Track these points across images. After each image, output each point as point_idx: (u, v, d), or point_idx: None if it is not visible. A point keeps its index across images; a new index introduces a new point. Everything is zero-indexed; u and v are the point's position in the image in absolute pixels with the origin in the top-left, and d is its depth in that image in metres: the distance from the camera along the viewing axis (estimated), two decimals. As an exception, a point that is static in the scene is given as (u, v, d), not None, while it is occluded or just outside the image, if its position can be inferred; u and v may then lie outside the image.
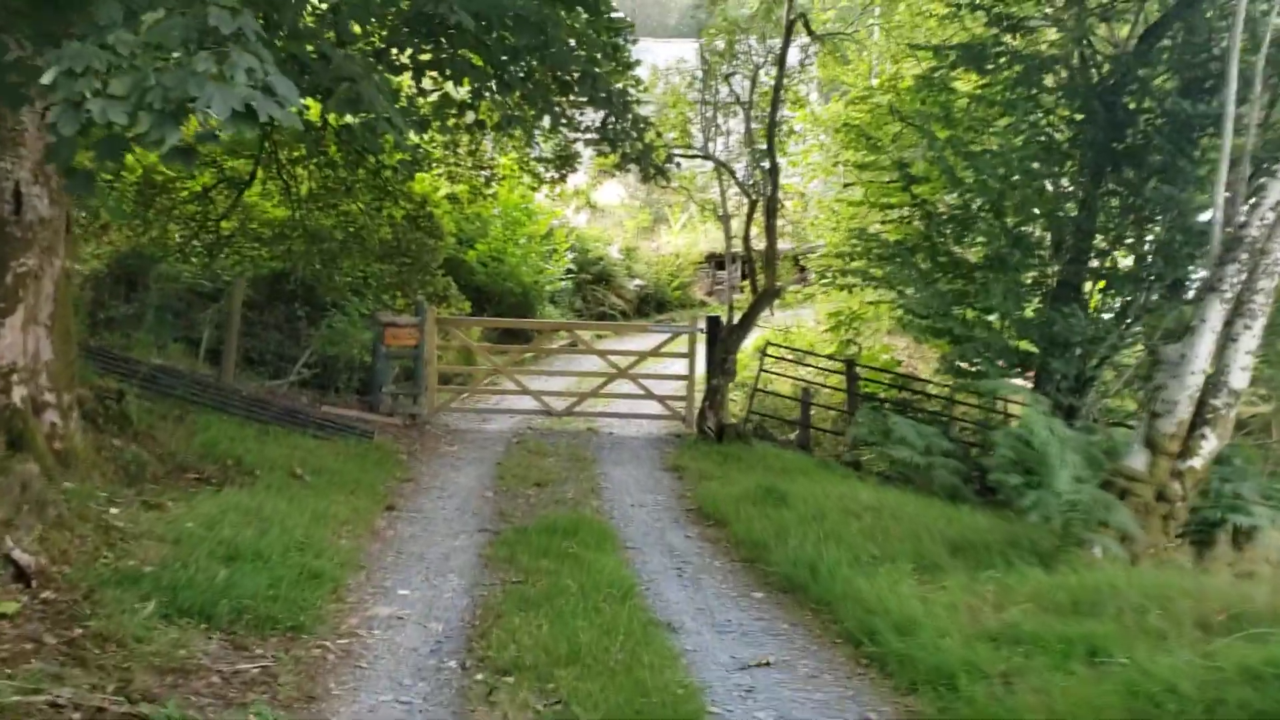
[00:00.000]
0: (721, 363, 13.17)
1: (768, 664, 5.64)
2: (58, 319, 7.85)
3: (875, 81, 17.18)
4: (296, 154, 15.06)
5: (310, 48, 7.81)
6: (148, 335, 13.93)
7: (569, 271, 22.97)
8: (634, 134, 12.30)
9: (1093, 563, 6.98)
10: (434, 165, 16.24)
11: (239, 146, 15.19)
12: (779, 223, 13.54)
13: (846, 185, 17.93)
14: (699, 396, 14.04)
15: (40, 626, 4.88)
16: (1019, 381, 11.78)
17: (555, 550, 7.49)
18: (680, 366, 16.67)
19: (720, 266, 31.42)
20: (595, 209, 30.44)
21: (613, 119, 12.11)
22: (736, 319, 13.71)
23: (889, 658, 5.53)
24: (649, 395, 14.17)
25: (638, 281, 26.53)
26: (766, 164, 13.51)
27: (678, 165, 13.68)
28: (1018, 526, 8.01)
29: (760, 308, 13.62)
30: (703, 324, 13.91)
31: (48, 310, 7.71)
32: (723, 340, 13.30)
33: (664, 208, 31.11)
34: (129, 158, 15.33)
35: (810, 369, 15.40)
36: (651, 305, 26.93)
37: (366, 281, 16.62)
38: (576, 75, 11.15)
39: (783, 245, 19.65)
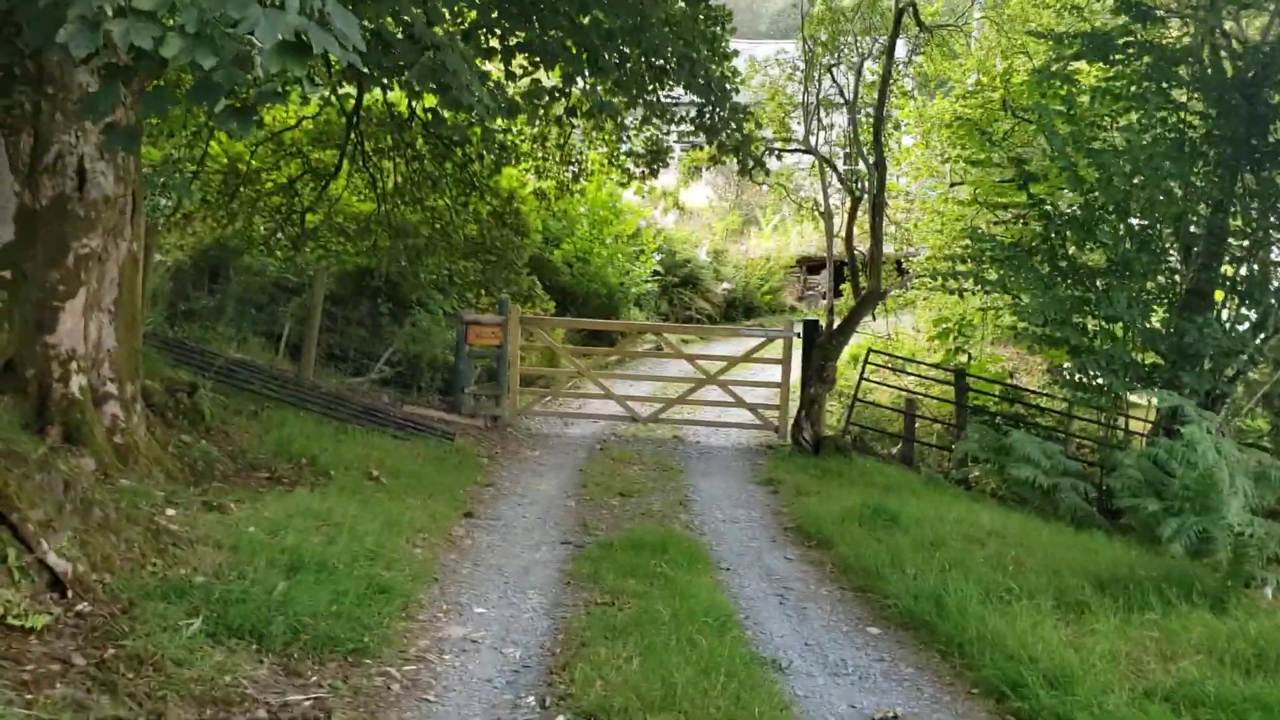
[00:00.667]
0: (820, 370, 12.34)
1: (895, 718, 4.84)
2: (123, 305, 7.39)
3: (982, 77, 16.17)
4: (383, 145, 14.64)
5: (392, 23, 7.27)
6: (227, 328, 13.63)
7: (655, 273, 22.30)
8: (733, 123, 11.58)
9: (1273, 606, 6.03)
10: (521, 160, 15.70)
11: (325, 136, 14.86)
12: (882, 223, 12.66)
13: (954, 185, 16.94)
14: (793, 405, 13.24)
15: (70, 644, 4.33)
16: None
17: (643, 569, 6.77)
18: (772, 373, 15.89)
19: (812, 271, 30.47)
20: (682, 211, 29.77)
21: (710, 107, 11.40)
22: (835, 324, 12.87)
23: (1041, 716, 4.68)
24: (739, 403, 13.39)
25: (726, 285, 25.75)
26: (872, 159, 12.64)
27: (779, 158, 12.89)
28: (1167, 559, 7.06)
29: (863, 313, 12.76)
30: (799, 328, 13.10)
31: (111, 295, 7.26)
32: (821, 346, 12.47)
33: (754, 210, 30.28)
34: (214, 146, 15.24)
35: (912, 379, 14.47)
36: (739, 310, 26.13)
37: (451, 279, 16.15)
38: (674, 61, 10.47)
39: (885, 248, 18.74)
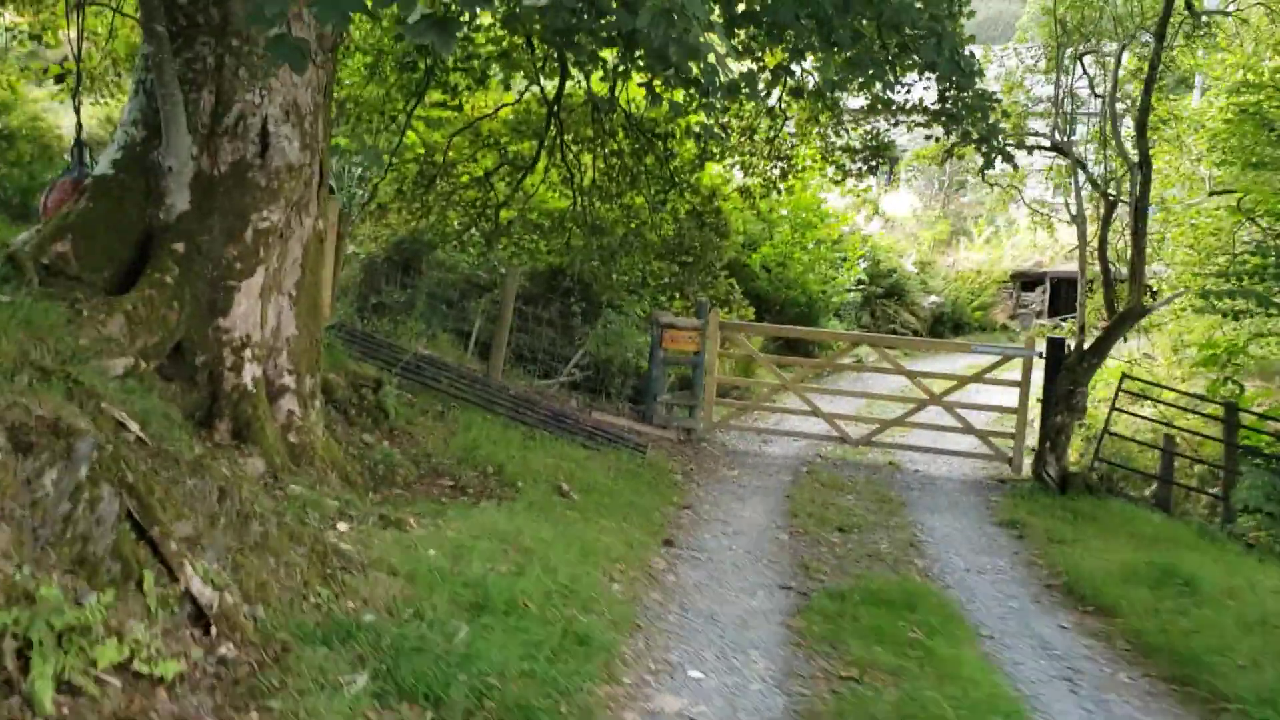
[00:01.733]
0: (1068, 396, 10.72)
1: None
2: (305, 288, 6.67)
3: (1248, 74, 14.07)
4: (582, 136, 13.85)
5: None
6: (418, 322, 13.08)
7: (859, 282, 20.84)
8: (979, 110, 10.15)
9: None
10: (727, 154, 14.63)
11: (524, 126, 14.20)
12: (1145, 230, 10.91)
13: (1214, 193, 14.86)
14: (1030, 435, 11.64)
15: (207, 700, 3.45)
16: None
17: (891, 633, 5.52)
18: (1002, 397, 14.27)
19: (1026, 287, 28.28)
20: (884, 219, 28.11)
21: (954, 90, 10.01)
22: (1084, 344, 11.21)
23: None
24: (967, 429, 11.86)
25: (933, 298, 23.98)
26: (1135, 158, 10.92)
27: (1029, 152, 11.33)
28: None
29: (1119, 333, 11.05)
30: (1040, 347, 11.48)
31: (294, 278, 6.54)
32: (1069, 369, 10.84)
33: (964, 220, 28.31)
34: (410, 135, 14.81)
35: (1169, 410, 12.57)
36: (947, 325, 24.31)
37: (644, 281, 15.23)
38: (921, 34, 9.15)
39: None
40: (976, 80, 10.02)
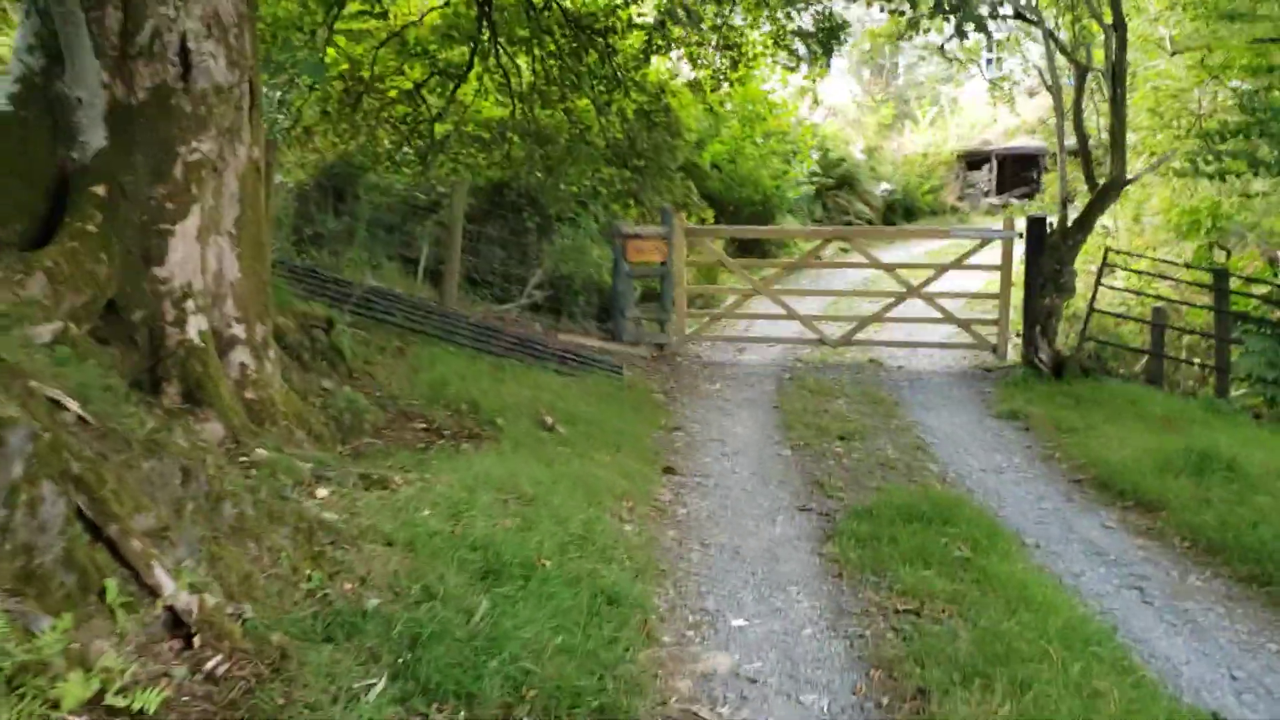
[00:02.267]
0: (1055, 276, 10.34)
1: None
2: (246, 226, 5.94)
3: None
4: (520, 34, 12.96)
5: None
6: (359, 253, 12.29)
7: (812, 175, 20.27)
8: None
9: None
10: (673, 45, 13.83)
11: (454, 31, 13.26)
12: (1124, 96, 10.43)
13: (1175, 53, 14.41)
14: (1013, 319, 11.29)
15: (200, 733, 2.89)
16: None
17: (935, 554, 5.10)
18: (974, 283, 13.94)
19: (972, 166, 27.92)
20: (828, 108, 27.41)
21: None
22: (1069, 219, 10.79)
23: None
24: (948, 318, 11.48)
25: (885, 185, 23.52)
26: (1109, 19, 10.39)
27: (991, 20, 10.74)
28: None
29: (1104, 204, 10.63)
30: (1020, 226, 11.06)
31: (232, 214, 5.81)
32: (1053, 247, 10.44)
33: (909, 103, 27.73)
34: (330, 51, 13.80)
35: (1151, 283, 12.28)
36: (899, 213, 23.92)
37: (595, 191, 14.53)
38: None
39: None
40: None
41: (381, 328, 9.38)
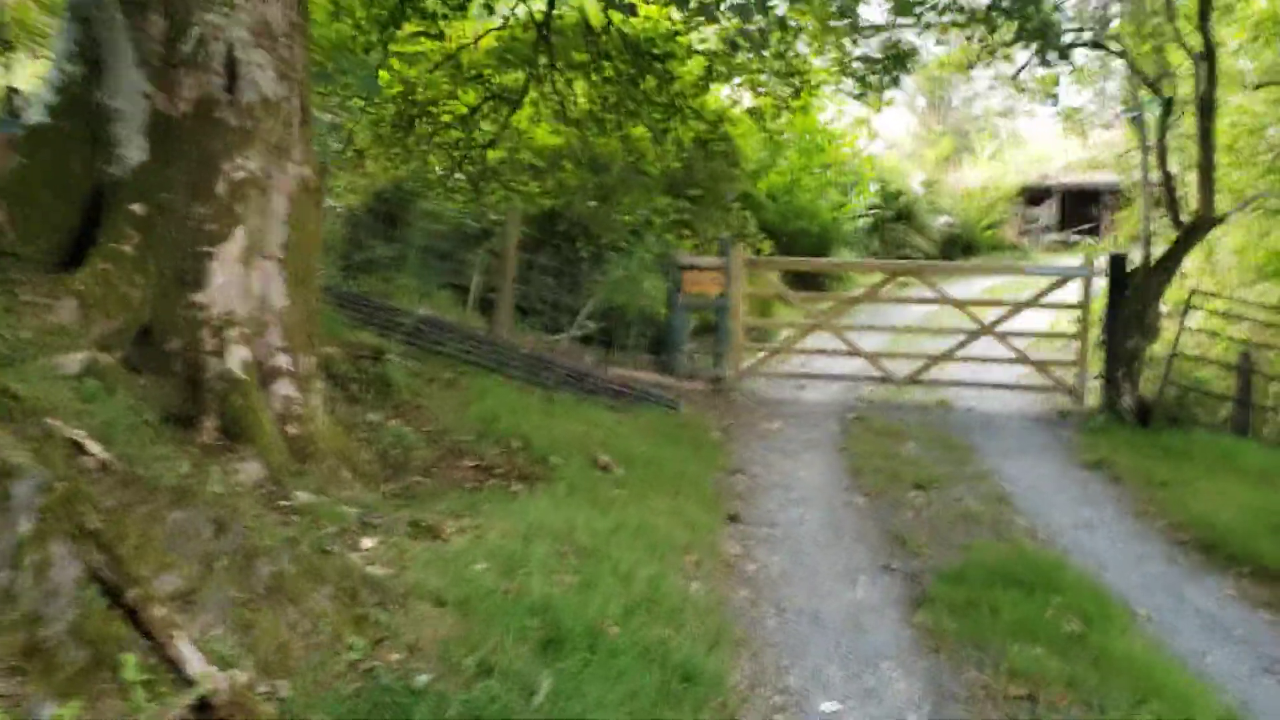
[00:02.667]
0: (1138, 317, 9.78)
1: None
2: (295, 250, 5.60)
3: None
4: (578, 58, 12.65)
5: None
6: (410, 280, 12.00)
7: (871, 207, 19.80)
8: (1032, 3, 9.07)
9: None
10: (734, 72, 13.46)
11: (510, 54, 12.98)
12: (1214, 129, 9.88)
13: (1258, 86, 13.82)
14: (1094, 362, 10.71)
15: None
16: None
17: (1040, 624, 4.60)
18: (1039, 321, 13.37)
19: (1033, 202, 27.27)
20: (884, 141, 26.95)
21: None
22: (1151, 258, 10.23)
23: None
24: (1022, 359, 10.93)
25: (944, 219, 22.95)
26: (1199, 50, 9.86)
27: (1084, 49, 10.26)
28: None
29: (1191, 243, 10.07)
30: (1100, 263, 10.51)
31: (279, 237, 5.47)
32: (1136, 287, 9.88)
33: (968, 136, 27.20)
34: (384, 74, 13.60)
35: (1235, 326, 11.63)
36: (958, 248, 23.33)
37: (650, 220, 14.14)
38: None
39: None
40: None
41: (433, 358, 9.04)
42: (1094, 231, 28.91)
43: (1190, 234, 9.82)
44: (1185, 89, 11.18)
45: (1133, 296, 9.87)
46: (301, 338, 5.71)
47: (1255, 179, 13.41)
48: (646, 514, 6.11)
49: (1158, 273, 9.87)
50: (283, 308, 5.53)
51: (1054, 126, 31.95)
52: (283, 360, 5.57)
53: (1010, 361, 11.12)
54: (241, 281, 5.20)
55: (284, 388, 5.55)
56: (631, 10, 9.68)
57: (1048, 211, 27.49)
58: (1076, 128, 15.00)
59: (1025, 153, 27.82)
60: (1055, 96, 13.65)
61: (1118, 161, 17.11)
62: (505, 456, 7.14)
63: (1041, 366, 10.93)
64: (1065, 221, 28.07)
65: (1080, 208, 28.77)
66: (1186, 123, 13.14)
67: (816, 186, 17.75)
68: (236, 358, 5.13)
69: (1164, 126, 10.61)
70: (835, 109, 19.06)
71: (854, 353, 11.39)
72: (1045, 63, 9.27)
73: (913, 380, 11.25)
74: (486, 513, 5.44)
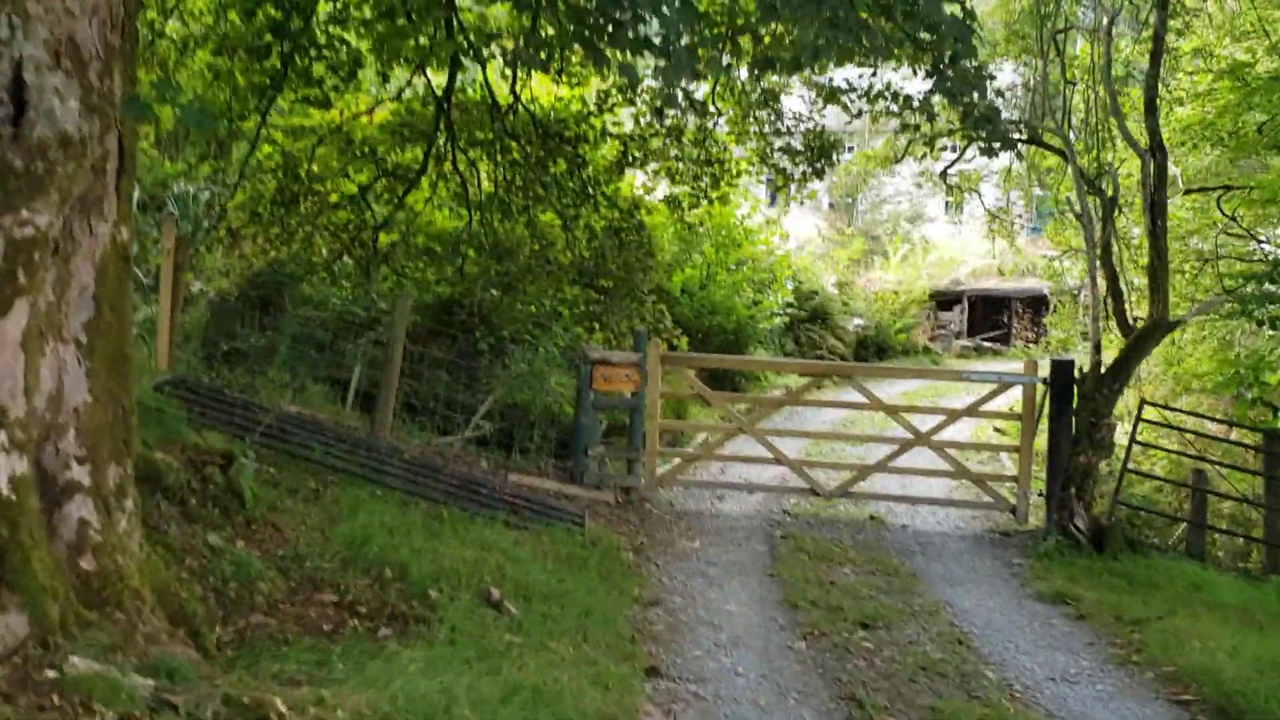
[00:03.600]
0: (1089, 431, 9.05)
1: None
2: (103, 333, 4.41)
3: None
4: (481, 137, 11.74)
5: None
6: (281, 373, 10.73)
7: (787, 306, 19.18)
8: (976, 87, 8.48)
9: None
10: (649, 159, 12.73)
11: (406, 129, 12.02)
12: (1165, 229, 9.36)
13: (1188, 191, 13.59)
14: (1035, 476, 9.96)
15: None
16: None
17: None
18: (966, 431, 12.67)
19: (943, 307, 27.14)
20: (792, 242, 26.62)
21: (950, 63, 8.32)
22: (1101, 365, 9.57)
23: None
24: (961, 473, 10.13)
25: (858, 320, 22.51)
26: (1145, 144, 9.41)
27: (1012, 147, 9.72)
28: None
29: (1144, 350, 9.47)
30: (1044, 372, 9.84)
31: (82, 315, 4.29)
32: (1087, 397, 9.19)
33: (880, 239, 27.06)
34: (265, 147, 12.48)
35: (1188, 441, 11.06)
36: (871, 350, 22.86)
37: (556, 312, 13.18)
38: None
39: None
40: (975, 51, 8.37)
41: (297, 464, 7.80)
42: (1004, 339, 28.95)
43: (1143, 339, 9.20)
44: (1123, 188, 10.75)
45: (1083, 408, 9.16)
46: (108, 444, 4.48)
47: (1184, 286, 13.06)
48: (548, 669, 4.96)
49: (1108, 381, 9.19)
50: (82, 406, 4.32)
51: (964, 231, 32.31)
52: (80, 473, 4.33)
53: (944, 475, 10.32)
54: (21, 370, 3.98)
55: (79, 509, 4.31)
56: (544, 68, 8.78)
57: (958, 317, 27.43)
58: (1003, 229, 14.60)
59: (934, 257, 27.83)
60: (978, 193, 13.19)
61: (1048, 267, 16.79)
62: (375, 590, 5.92)
63: (981, 481, 10.14)
64: (974, 327, 28.06)
65: (990, 314, 28.85)
66: (1122, 223, 12.74)
67: (731, 283, 17.05)
68: (7, 471, 3.89)
69: (1106, 224, 10.08)
70: (750, 205, 18.55)
71: (778, 460, 10.44)
72: (990, 152, 8.63)
73: (842, 492, 10.32)
74: (338, 677, 4.25)
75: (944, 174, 12.59)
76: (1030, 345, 29.38)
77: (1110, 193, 10.23)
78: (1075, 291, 30.53)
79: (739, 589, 7.52)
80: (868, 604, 7.12)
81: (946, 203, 39.18)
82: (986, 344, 27.99)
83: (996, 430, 14.36)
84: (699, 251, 17.01)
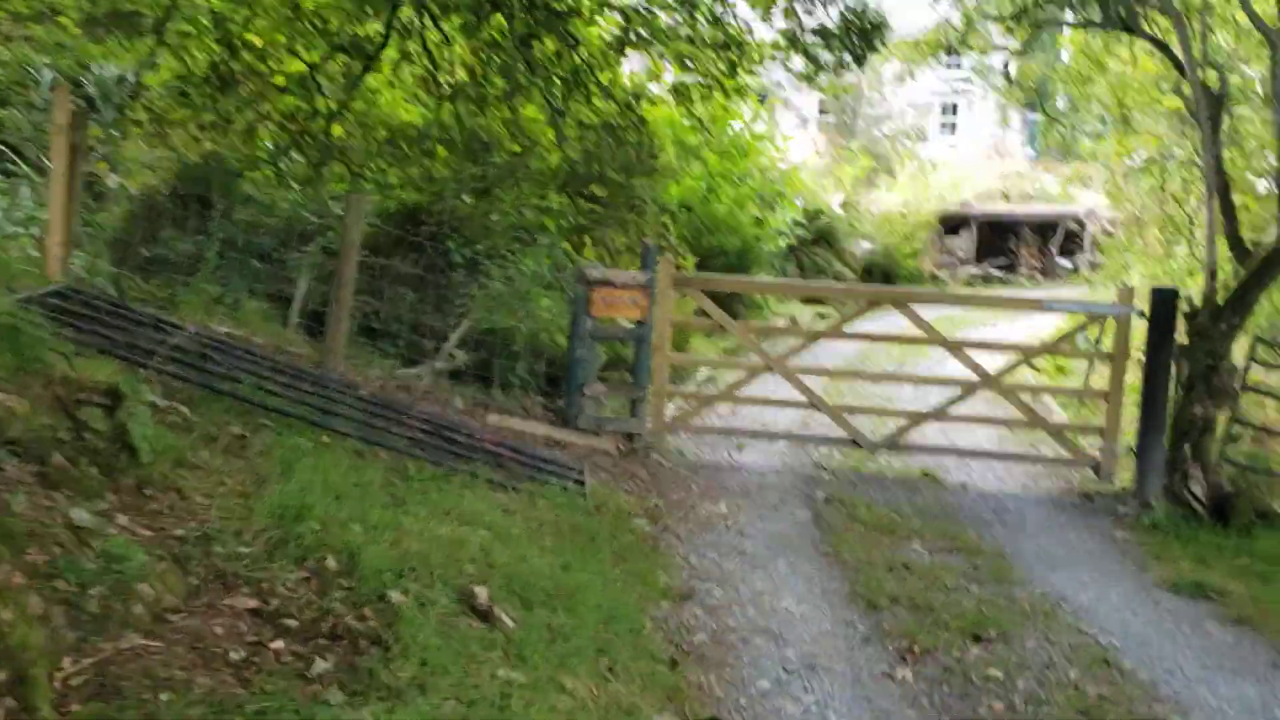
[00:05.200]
0: (1206, 375, 7.46)
1: None
2: None
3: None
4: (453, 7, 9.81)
5: None
6: (210, 285, 8.91)
7: (797, 225, 17.44)
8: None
9: None
10: (655, 40, 10.83)
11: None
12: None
13: None
14: (1127, 427, 8.38)
15: None
16: None
17: None
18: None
19: (950, 231, 25.45)
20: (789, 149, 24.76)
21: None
22: (1213, 295, 7.93)
23: None
24: (1034, 422, 8.54)
25: (865, 244, 20.81)
26: (1276, 21, 7.69)
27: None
28: None
29: (1270, 277, 7.82)
30: (1139, 304, 8.22)
31: None
32: (1200, 334, 7.57)
33: (886, 156, 25.28)
34: (199, 19, 10.49)
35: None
36: (877, 276, 21.21)
37: (542, 223, 11.41)
38: None
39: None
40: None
41: (218, 402, 6.04)
42: (1010, 268, 27.39)
43: (1271, 264, 7.56)
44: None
45: (1195, 347, 7.55)
46: None
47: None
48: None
49: (1228, 314, 7.58)
50: None
51: (961, 152, 30.55)
52: None
53: (1011, 424, 8.74)
54: None
55: None
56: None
57: (965, 242, 25.78)
58: (1056, 139, 12.65)
59: (945, 177, 26.08)
60: (1039, 96, 11.41)
61: (1108, 182, 15.05)
62: (312, 591, 4.22)
63: (1060, 433, 8.55)
64: (980, 254, 26.46)
65: (997, 240, 27.23)
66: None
67: (735, 197, 15.24)
68: None
69: (1215, 126, 8.37)
70: (752, 108, 16.66)
71: (814, 405, 8.80)
72: (1111, 22, 6.86)
73: (892, 446, 8.71)
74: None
75: (1006, 69, 10.81)
76: (1037, 275, 27.88)
77: (1218, 88, 8.50)
78: (1080, 218, 28.91)
79: (790, 574, 5.91)
80: (964, 600, 5.54)
81: (943, 121, 37.58)
82: (995, 272, 26.43)
83: (1035, 370, 12.78)
84: (699, 159, 15.13)
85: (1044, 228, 28.34)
